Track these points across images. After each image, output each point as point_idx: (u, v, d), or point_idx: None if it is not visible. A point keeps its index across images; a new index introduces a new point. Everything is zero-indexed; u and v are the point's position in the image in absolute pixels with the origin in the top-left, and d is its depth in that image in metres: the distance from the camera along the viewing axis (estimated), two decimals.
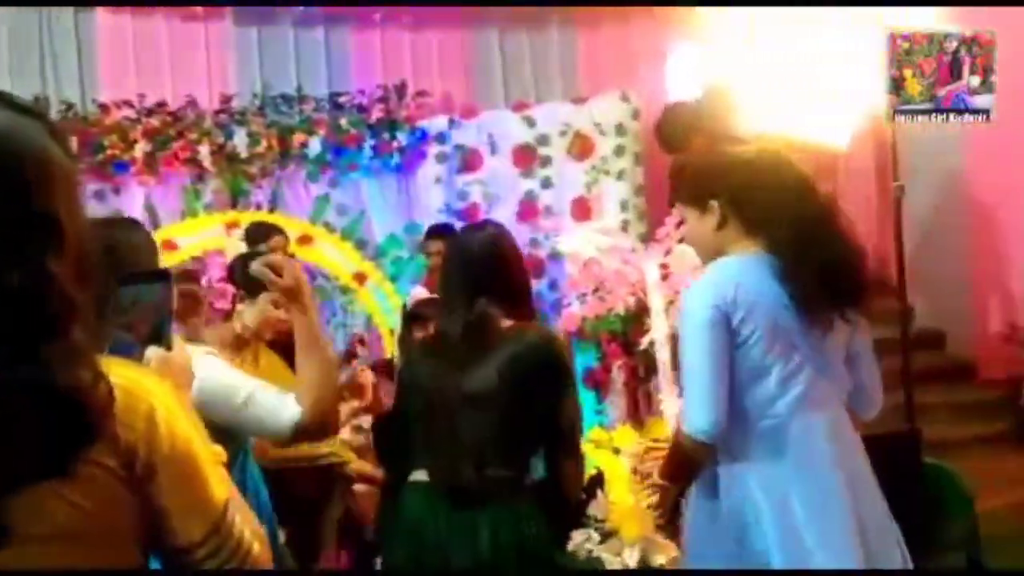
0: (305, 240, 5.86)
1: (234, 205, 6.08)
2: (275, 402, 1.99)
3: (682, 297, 2.35)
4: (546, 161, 6.25)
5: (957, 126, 6.06)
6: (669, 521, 2.45)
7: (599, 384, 4.37)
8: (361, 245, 6.15)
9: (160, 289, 1.43)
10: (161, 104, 6.20)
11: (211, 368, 2.05)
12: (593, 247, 3.55)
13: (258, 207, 6.08)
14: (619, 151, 6.18)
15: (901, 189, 3.44)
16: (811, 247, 2.10)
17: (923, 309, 6.65)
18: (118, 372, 1.04)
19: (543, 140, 6.26)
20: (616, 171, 6.15)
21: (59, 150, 1.03)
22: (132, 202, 6.10)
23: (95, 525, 1.02)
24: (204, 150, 6.07)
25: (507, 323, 2.38)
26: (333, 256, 5.96)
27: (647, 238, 5.34)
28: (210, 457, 1.11)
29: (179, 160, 6.07)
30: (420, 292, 4.65)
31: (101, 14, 6.46)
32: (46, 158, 1.01)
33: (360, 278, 5.96)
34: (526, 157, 6.25)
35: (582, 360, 4.43)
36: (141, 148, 6.05)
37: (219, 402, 1.98)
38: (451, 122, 6.34)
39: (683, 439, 2.14)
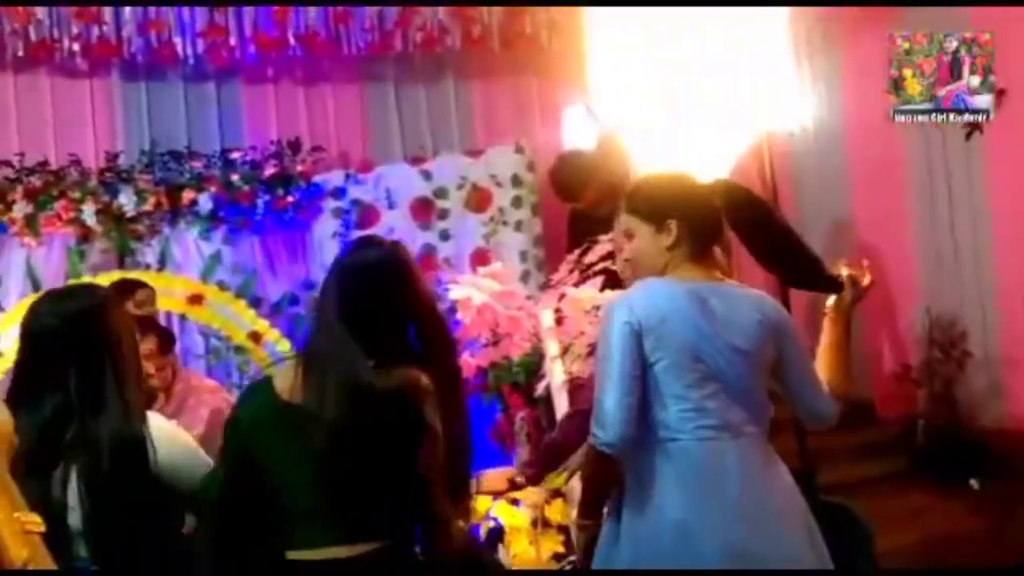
0: (196, 299, 5.65)
1: (121, 265, 5.85)
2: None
3: (603, 310, 2.36)
4: (444, 214, 6.22)
5: (841, 164, 6.27)
6: (584, 565, 2.38)
7: (504, 436, 4.30)
8: (256, 303, 5.96)
9: None
10: (43, 163, 5.97)
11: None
12: (485, 293, 3.49)
13: (147, 267, 5.87)
14: (516, 202, 6.20)
15: None
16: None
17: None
18: None
19: (440, 193, 6.24)
20: (514, 222, 6.17)
21: None
22: (13, 264, 5.85)
23: None
24: (88, 209, 5.86)
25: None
26: (226, 315, 5.75)
27: (546, 287, 5.33)
28: (6, 517, 1.01)
29: (62, 220, 5.85)
30: None
31: None
32: None
33: (255, 337, 5.76)
34: (424, 210, 6.22)
35: (487, 412, 4.36)
36: (21, 209, 5.82)
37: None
38: (347, 177, 6.27)
39: (591, 449, 2.18)
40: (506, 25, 6.40)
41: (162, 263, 5.93)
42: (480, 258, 6.01)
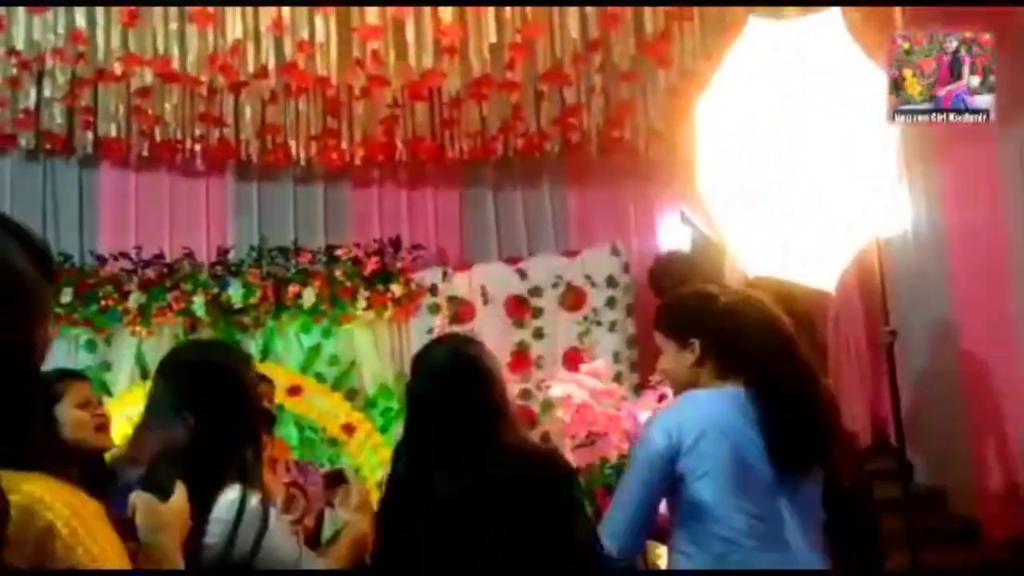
0: (294, 391, 5.81)
1: None
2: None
3: (646, 421, 2.37)
4: (538, 312, 6.30)
5: (943, 269, 6.14)
6: None
7: None
8: (351, 395, 6.09)
9: (174, 435, 1.42)
10: (158, 256, 6.29)
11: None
12: (585, 391, 3.51)
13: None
14: (611, 303, 6.25)
15: (892, 335, 3.38)
16: (784, 399, 2.16)
17: (921, 466, 6.54)
18: (26, 489, 1.00)
19: (535, 291, 6.33)
20: (608, 322, 6.20)
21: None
22: (123, 352, 6.10)
23: None
24: (198, 300, 6.11)
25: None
26: (322, 406, 5.89)
27: (640, 389, 5.31)
28: None
29: (172, 311, 6.10)
30: None
31: (105, 168, 6.63)
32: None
33: (349, 429, 5.87)
34: (519, 307, 6.30)
35: None
36: (135, 299, 6.10)
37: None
38: (444, 274, 6.42)
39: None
40: (605, 132, 6.56)
41: (264, 354, 6.10)
42: (573, 357, 6.05)
